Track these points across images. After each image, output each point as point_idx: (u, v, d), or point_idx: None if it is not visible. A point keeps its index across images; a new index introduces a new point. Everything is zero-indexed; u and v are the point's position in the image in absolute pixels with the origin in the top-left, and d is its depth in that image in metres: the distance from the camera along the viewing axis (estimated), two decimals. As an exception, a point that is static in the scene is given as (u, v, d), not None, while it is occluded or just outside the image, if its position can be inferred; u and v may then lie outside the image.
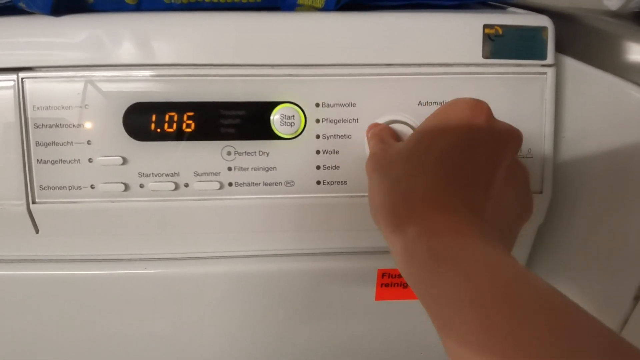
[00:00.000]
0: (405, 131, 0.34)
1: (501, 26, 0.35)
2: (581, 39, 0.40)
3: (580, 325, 0.18)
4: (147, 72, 0.34)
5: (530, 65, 0.36)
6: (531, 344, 0.17)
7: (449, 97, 0.35)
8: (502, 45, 0.35)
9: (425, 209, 0.24)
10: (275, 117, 0.35)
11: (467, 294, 0.19)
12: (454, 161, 0.25)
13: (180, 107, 0.35)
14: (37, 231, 0.37)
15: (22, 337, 0.44)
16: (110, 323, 0.43)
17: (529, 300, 0.19)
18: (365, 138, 0.35)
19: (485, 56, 0.35)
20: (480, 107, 0.27)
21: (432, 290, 0.21)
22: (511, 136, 0.27)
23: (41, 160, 0.35)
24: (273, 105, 0.35)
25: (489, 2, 0.45)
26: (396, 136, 0.34)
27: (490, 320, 0.18)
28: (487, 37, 0.35)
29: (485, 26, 0.35)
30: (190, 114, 0.35)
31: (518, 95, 0.36)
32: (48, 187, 0.35)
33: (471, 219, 0.23)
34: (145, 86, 0.34)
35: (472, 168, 0.25)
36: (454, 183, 0.25)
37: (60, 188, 0.35)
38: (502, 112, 0.36)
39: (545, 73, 0.36)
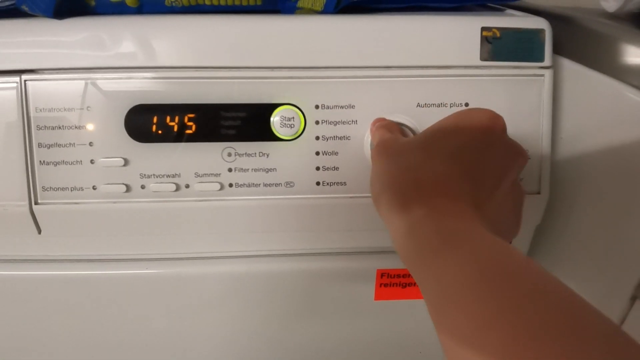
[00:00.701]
0: (405, 133, 0.35)
1: (499, 29, 0.35)
2: (578, 41, 0.40)
3: (585, 313, 0.18)
4: (148, 75, 0.34)
5: (528, 67, 0.36)
6: (535, 327, 0.17)
7: (447, 99, 0.36)
8: (500, 47, 0.35)
9: (435, 193, 0.24)
10: (275, 118, 0.35)
11: (473, 273, 0.19)
12: (468, 158, 0.26)
13: (181, 109, 0.35)
14: (39, 232, 0.37)
15: (24, 337, 0.44)
16: (111, 322, 0.44)
17: (535, 286, 0.19)
18: (369, 132, 0.36)
19: (483, 58, 0.35)
20: (497, 119, 0.28)
21: (436, 269, 0.21)
22: (520, 153, 0.29)
23: (43, 161, 0.35)
24: (273, 107, 0.36)
25: (487, 5, 0.45)
26: (402, 132, 0.34)
27: (495, 300, 0.18)
28: (485, 40, 0.35)
29: (483, 29, 0.35)
30: (191, 115, 0.35)
31: (516, 97, 0.36)
32: (50, 188, 0.35)
33: (475, 212, 0.24)
34: (147, 88, 0.35)
35: (483, 168, 0.26)
36: (465, 177, 0.25)
37: (62, 189, 0.35)
38: (501, 114, 0.36)
39: (542, 75, 0.36)
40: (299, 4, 0.37)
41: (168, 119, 0.35)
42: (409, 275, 0.43)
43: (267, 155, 0.36)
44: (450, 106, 0.36)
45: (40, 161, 0.35)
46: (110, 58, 0.34)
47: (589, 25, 0.41)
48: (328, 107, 0.36)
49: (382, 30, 0.35)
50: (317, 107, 0.36)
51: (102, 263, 0.41)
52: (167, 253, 0.41)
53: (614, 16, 0.43)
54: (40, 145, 0.35)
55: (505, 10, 0.42)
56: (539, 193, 0.38)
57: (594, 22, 0.41)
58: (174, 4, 0.36)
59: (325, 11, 0.36)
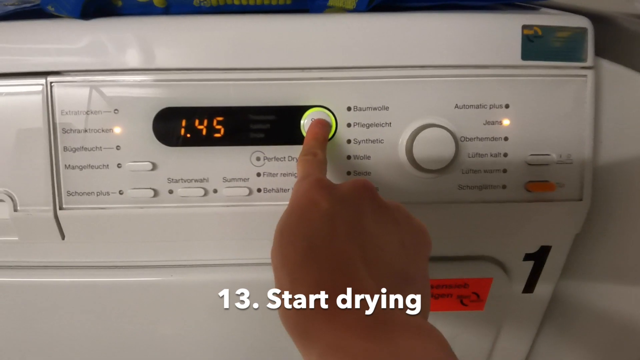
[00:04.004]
0: (442, 136, 0.33)
1: (540, 27, 0.34)
2: (615, 42, 0.39)
3: None
4: (176, 77, 0.34)
5: (570, 67, 0.35)
6: None
7: (486, 100, 0.34)
8: (541, 46, 0.34)
9: (320, 326, 0.22)
10: (305, 121, 0.34)
11: None
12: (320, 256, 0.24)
13: (210, 112, 0.34)
14: (63, 237, 0.36)
15: (47, 342, 0.44)
16: (137, 329, 0.43)
17: None
18: (404, 136, 0.34)
19: (523, 57, 0.34)
20: (315, 190, 0.26)
21: None
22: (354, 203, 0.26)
23: (69, 165, 0.34)
24: (303, 109, 0.34)
25: (516, 3, 0.44)
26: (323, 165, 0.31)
27: None
28: (526, 38, 0.34)
29: (524, 27, 0.34)
30: (220, 118, 0.34)
31: (557, 98, 0.35)
32: (76, 192, 0.34)
33: (366, 325, 0.21)
34: (175, 91, 0.34)
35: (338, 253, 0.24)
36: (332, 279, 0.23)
37: (88, 194, 0.35)
38: (542, 115, 0.35)
39: (585, 75, 0.35)
40: (330, 3, 0.35)
41: (197, 122, 0.34)
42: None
43: (297, 160, 0.35)
44: (490, 107, 0.34)
45: (65, 165, 0.34)
46: (139, 60, 0.33)
47: (627, 25, 0.39)
48: (360, 109, 0.35)
49: (416, 29, 0.34)
50: (349, 109, 0.35)
51: (127, 270, 0.40)
52: (194, 260, 0.40)
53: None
54: (65, 149, 0.34)
55: (539, 8, 0.40)
56: (580, 200, 0.36)
57: (631, 23, 0.40)
58: (202, 4, 0.35)
59: (358, 9, 0.35)
